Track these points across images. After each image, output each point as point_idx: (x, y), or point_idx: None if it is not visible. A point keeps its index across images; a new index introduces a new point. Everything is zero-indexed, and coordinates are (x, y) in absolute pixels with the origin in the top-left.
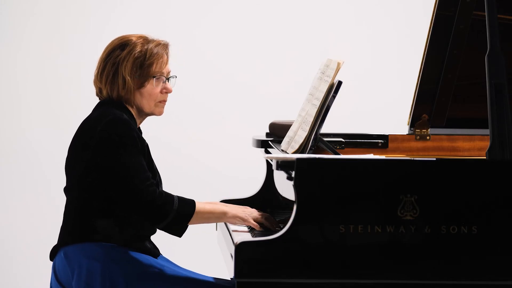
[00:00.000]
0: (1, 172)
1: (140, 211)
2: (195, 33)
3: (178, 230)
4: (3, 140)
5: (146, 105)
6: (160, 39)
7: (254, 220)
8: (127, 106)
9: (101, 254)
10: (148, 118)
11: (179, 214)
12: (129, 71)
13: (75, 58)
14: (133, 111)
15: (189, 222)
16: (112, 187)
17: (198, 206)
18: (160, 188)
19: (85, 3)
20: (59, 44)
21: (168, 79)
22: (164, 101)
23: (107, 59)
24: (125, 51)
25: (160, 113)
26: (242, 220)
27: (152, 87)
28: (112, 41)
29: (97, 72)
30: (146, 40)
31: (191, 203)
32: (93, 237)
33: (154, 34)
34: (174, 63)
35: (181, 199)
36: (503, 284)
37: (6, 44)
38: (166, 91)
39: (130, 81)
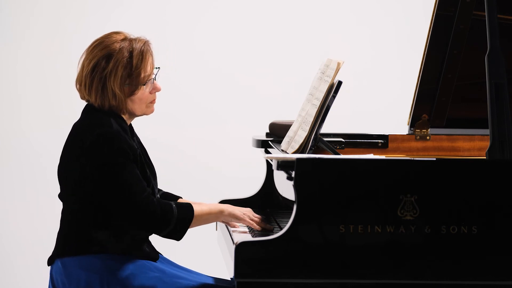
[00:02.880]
0: (1, 172)
1: (142, 223)
2: (195, 33)
3: (175, 237)
4: (3, 140)
5: (138, 109)
6: (141, 37)
7: (250, 220)
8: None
9: (99, 265)
10: (148, 119)
11: (179, 220)
12: (118, 83)
13: (75, 58)
14: (125, 116)
15: (190, 226)
16: (109, 201)
17: (196, 209)
18: (156, 189)
19: (85, 3)
20: (59, 44)
21: (155, 77)
22: (154, 99)
23: (94, 74)
24: (111, 64)
25: (151, 112)
26: (237, 219)
27: (143, 92)
28: (93, 51)
29: (84, 86)
30: (128, 43)
31: (189, 208)
32: (91, 249)
33: (151, 35)
34: (173, 64)
35: (178, 205)
36: (503, 284)
37: (7, 43)
38: (155, 91)
39: (119, 93)
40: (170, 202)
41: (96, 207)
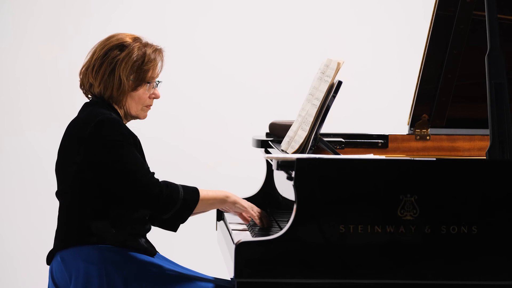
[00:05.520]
0: (1, 171)
1: (148, 204)
2: (195, 34)
3: (179, 219)
4: (3, 140)
5: (134, 108)
6: (155, 44)
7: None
8: (115, 106)
9: (97, 256)
10: (148, 119)
11: (186, 202)
12: (126, 73)
13: (76, 58)
14: (120, 112)
15: (195, 209)
16: (115, 184)
17: (202, 192)
18: None
19: (85, 3)
20: (59, 44)
21: (157, 84)
22: (150, 105)
23: (104, 58)
24: (124, 53)
25: (144, 117)
26: (242, 207)
27: (144, 92)
28: (109, 39)
29: (92, 69)
30: (142, 44)
31: (195, 190)
32: (89, 239)
33: (151, 35)
34: (173, 65)
35: (185, 187)
36: (503, 284)
37: (7, 44)
38: (154, 96)
39: (125, 83)
40: (176, 183)
41: (95, 197)
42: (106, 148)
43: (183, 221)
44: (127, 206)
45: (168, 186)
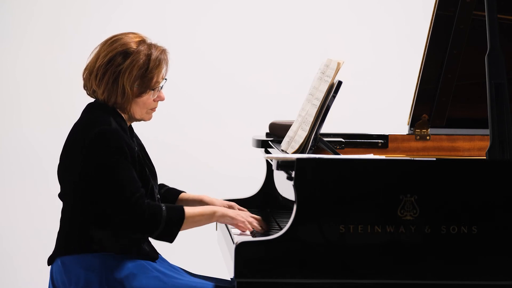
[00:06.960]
0: (1, 171)
1: (131, 224)
2: (195, 34)
3: (167, 239)
4: (3, 140)
5: (138, 112)
6: (160, 46)
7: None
8: (119, 111)
9: (98, 264)
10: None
11: (170, 222)
12: (130, 82)
13: (76, 58)
14: (125, 116)
15: (181, 228)
16: (103, 200)
17: (187, 211)
18: (155, 189)
19: (85, 3)
20: (59, 44)
21: (162, 86)
22: (155, 108)
23: (108, 66)
24: (128, 61)
25: (149, 119)
26: (231, 219)
27: (148, 97)
28: (113, 45)
29: (95, 76)
30: (147, 47)
31: (180, 209)
32: (90, 247)
33: (151, 35)
34: (173, 65)
35: (169, 207)
36: (503, 284)
37: (7, 44)
38: (159, 99)
39: (129, 91)
40: (161, 204)
41: (96, 206)
42: (101, 161)
43: (171, 241)
44: (112, 224)
45: (151, 208)
